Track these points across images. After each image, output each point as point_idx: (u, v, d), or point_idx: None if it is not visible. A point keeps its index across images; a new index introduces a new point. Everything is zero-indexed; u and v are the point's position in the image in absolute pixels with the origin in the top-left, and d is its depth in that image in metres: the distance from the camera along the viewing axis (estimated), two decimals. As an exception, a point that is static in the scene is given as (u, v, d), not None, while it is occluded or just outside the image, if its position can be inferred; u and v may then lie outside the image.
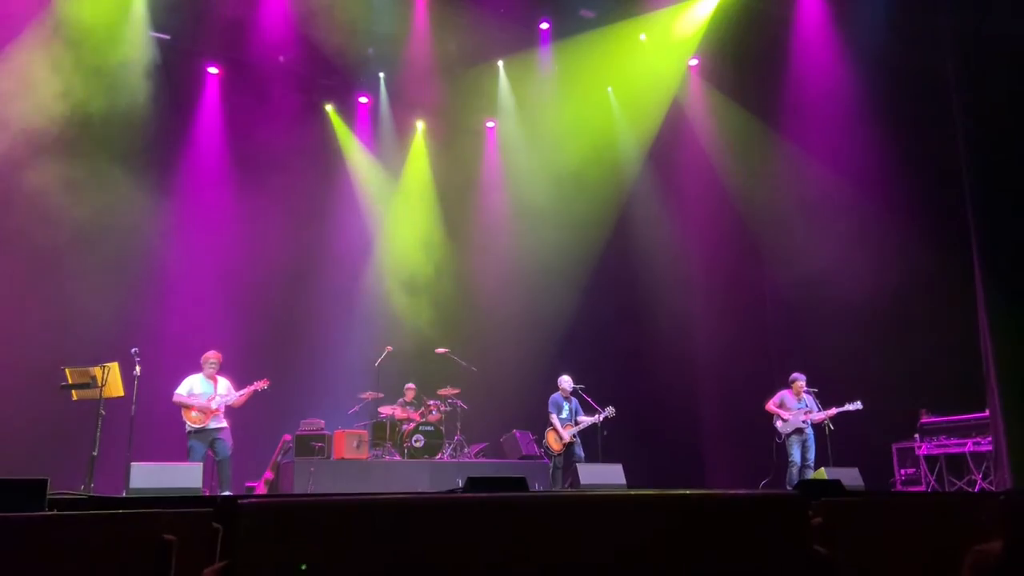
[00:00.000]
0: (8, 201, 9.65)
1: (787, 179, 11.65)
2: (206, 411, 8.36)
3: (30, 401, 8.80)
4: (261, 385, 8.74)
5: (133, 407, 8.04)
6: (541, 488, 9.58)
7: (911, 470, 9.67)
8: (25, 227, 9.80)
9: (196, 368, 8.67)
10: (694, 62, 12.97)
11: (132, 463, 6.87)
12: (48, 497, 3.03)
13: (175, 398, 8.37)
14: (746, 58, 12.04)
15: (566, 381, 10.01)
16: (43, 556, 2.18)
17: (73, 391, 7.71)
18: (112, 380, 7.75)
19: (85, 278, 10.12)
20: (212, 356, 8.69)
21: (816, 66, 11.44)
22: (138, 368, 8.06)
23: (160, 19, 11.20)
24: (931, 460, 9.45)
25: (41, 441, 8.83)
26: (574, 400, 9.99)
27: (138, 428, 8.10)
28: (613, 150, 13.60)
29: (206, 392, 8.49)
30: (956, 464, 9.30)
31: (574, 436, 9.72)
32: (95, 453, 7.35)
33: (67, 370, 7.73)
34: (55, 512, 2.78)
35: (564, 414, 9.84)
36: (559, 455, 9.74)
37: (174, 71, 11.44)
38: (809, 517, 2.39)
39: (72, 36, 10.20)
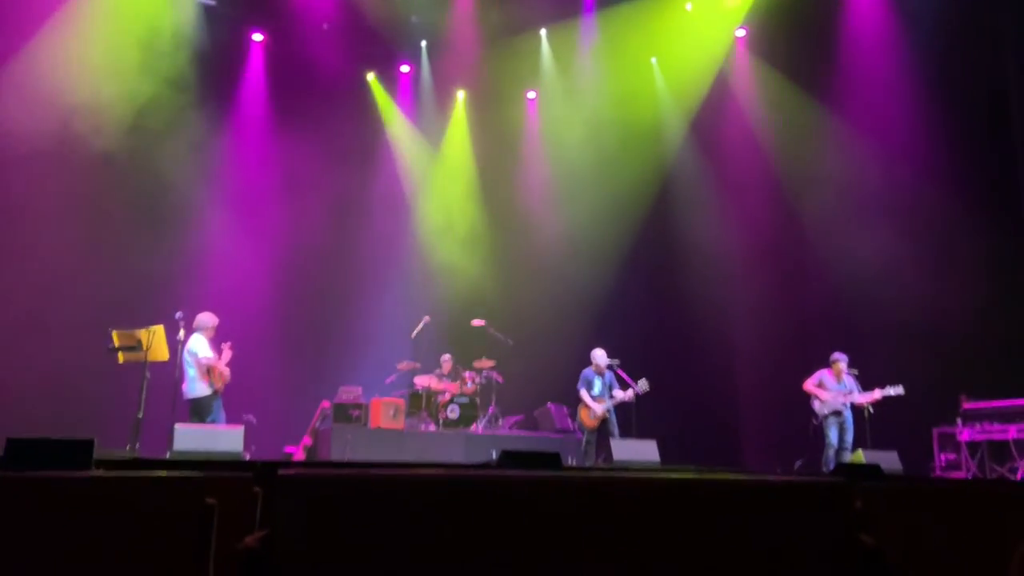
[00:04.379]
0: (55, 168, 9.83)
1: (834, 156, 11.38)
2: (224, 375, 8.21)
3: (79, 363, 9.04)
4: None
5: (177, 370, 8.19)
6: (574, 462, 9.56)
7: (951, 455, 9.50)
8: (74, 193, 10.02)
9: (231, 331, 8.68)
10: (741, 33, 12.66)
11: (176, 425, 7.01)
12: (94, 457, 3.10)
13: (209, 361, 8.11)
14: (796, 29, 11.71)
15: (600, 355, 9.68)
16: (88, 515, 2.23)
17: (120, 353, 7.87)
18: (157, 343, 7.87)
19: (131, 243, 10.34)
20: (214, 318, 8.43)
21: (869, 39, 11.11)
22: (182, 332, 8.19)
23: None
24: (972, 446, 9.26)
25: (89, 402, 9.07)
26: (608, 374, 9.71)
27: (182, 391, 8.26)
28: (656, 122, 13.39)
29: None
30: (998, 450, 9.11)
31: (608, 411, 9.56)
32: (140, 415, 7.53)
33: (114, 333, 7.88)
34: (101, 472, 2.84)
35: (596, 389, 9.58)
36: (592, 430, 9.58)
37: (219, 37, 11.52)
38: (853, 504, 2.35)
39: (119, 5, 10.33)
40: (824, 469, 9.14)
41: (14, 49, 9.76)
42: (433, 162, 13.65)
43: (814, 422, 9.54)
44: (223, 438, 6.79)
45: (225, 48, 11.74)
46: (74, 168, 9.92)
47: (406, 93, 13.59)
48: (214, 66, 11.44)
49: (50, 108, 9.64)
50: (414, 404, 10.92)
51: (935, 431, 9.70)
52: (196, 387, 8.12)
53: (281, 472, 1.82)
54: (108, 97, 10.10)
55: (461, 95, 13.82)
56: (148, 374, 7.75)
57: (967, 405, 9.45)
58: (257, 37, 12.23)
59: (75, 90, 9.81)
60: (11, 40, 9.74)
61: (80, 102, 9.82)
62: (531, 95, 14.10)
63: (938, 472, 9.50)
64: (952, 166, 10.03)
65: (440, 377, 11.29)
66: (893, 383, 9.08)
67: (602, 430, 9.56)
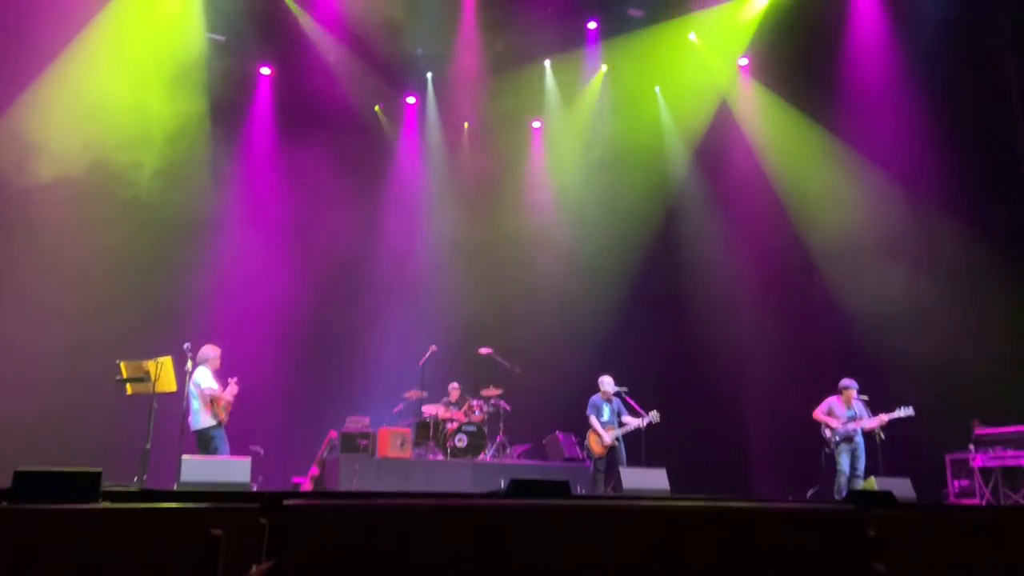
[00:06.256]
0: (62, 203, 9.90)
1: (839, 181, 11.40)
2: (228, 406, 8.22)
3: (87, 394, 9.03)
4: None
5: (184, 402, 8.18)
6: (583, 491, 9.49)
7: (964, 482, 9.39)
8: (86, 223, 10.09)
9: (238, 361, 8.69)
10: (744, 61, 12.76)
11: (183, 456, 7.01)
12: (102, 489, 3.09)
13: (212, 392, 8.10)
14: (798, 58, 11.79)
15: (607, 382, 9.73)
16: (96, 547, 2.22)
17: (127, 385, 7.88)
18: (165, 375, 7.88)
19: (139, 273, 10.39)
20: (217, 350, 8.45)
21: (872, 66, 11.17)
22: (190, 363, 8.19)
23: (215, 21, 11.44)
24: (986, 472, 9.16)
25: (97, 434, 9.05)
26: (616, 401, 9.72)
27: (187, 423, 8.24)
28: (661, 151, 13.47)
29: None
30: (1012, 476, 9.01)
31: (617, 439, 9.54)
32: (148, 446, 7.51)
33: (122, 364, 7.90)
34: (108, 504, 2.84)
35: (605, 416, 9.59)
36: (601, 458, 9.57)
37: (229, 72, 11.66)
38: (866, 531, 2.32)
39: (130, 38, 10.48)
40: (836, 497, 9.03)
41: (36, 73, 9.88)
42: (439, 192, 13.72)
43: (826, 450, 9.44)
44: (230, 469, 6.80)
45: (234, 81, 11.88)
46: (86, 202, 10.00)
47: (412, 124, 13.72)
48: (225, 98, 11.57)
49: (70, 137, 9.74)
50: (421, 433, 10.86)
51: (948, 457, 9.60)
52: (200, 418, 8.12)
53: (287, 502, 1.82)
54: (124, 129, 10.21)
55: (467, 125, 13.94)
56: (156, 405, 7.75)
57: (980, 431, 9.36)
58: (265, 71, 12.40)
59: (92, 121, 9.93)
60: (32, 64, 9.86)
61: (97, 134, 9.93)
62: (536, 124, 14.21)
63: (952, 499, 9.38)
64: (962, 189, 10.00)
65: (448, 405, 11.24)
66: (904, 406, 8.98)
67: (610, 458, 9.52)
